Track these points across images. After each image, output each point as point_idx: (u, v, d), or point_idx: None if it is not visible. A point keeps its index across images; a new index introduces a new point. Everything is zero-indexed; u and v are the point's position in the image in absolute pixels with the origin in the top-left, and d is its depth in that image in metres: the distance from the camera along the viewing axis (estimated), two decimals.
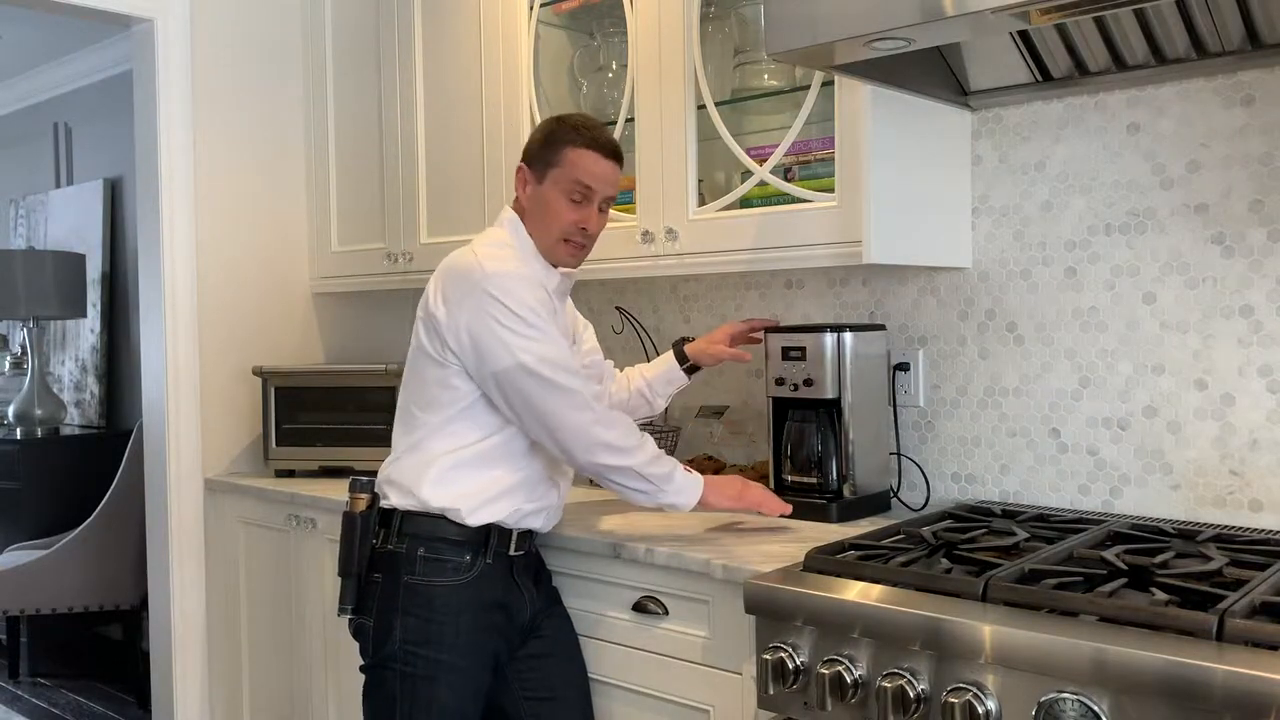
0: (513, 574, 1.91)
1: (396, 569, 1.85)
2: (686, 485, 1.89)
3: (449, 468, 1.86)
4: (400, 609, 1.84)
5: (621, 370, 2.29)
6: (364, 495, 1.89)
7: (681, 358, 2.22)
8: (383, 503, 1.89)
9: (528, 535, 1.94)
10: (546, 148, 1.92)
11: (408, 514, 1.86)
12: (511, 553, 1.90)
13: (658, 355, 2.68)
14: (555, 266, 1.95)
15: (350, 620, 1.91)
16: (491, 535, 1.87)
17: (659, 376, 2.23)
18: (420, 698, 1.83)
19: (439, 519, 1.85)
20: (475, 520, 1.85)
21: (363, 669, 1.91)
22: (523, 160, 1.95)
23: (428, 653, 1.82)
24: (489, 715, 1.95)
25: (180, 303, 2.96)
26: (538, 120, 2.50)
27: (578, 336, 2.13)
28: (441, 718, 1.84)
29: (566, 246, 1.93)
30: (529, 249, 1.93)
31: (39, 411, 4.44)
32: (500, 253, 1.88)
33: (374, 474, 1.96)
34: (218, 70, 3.06)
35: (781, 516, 2.00)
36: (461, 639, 1.84)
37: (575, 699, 1.98)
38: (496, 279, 1.81)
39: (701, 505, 1.91)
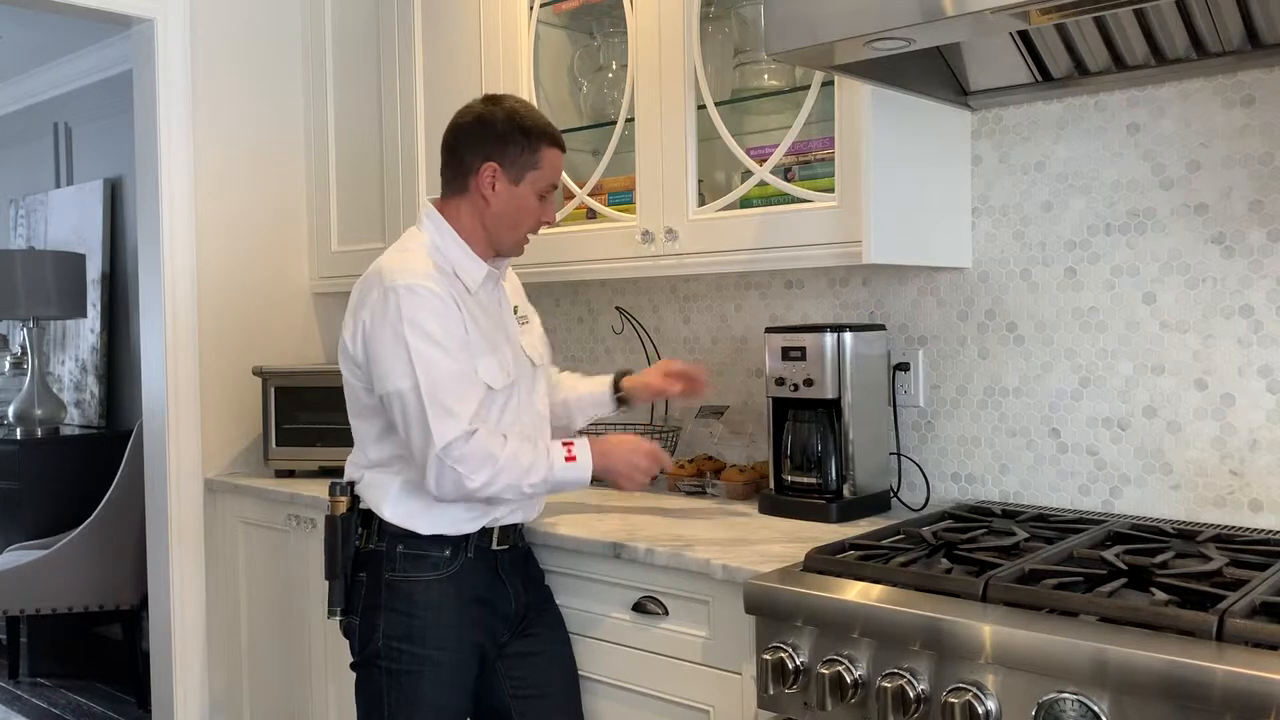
0: (497, 569, 1.92)
1: (378, 567, 1.86)
2: (571, 476, 1.85)
3: (404, 492, 1.86)
4: (383, 606, 1.85)
5: (561, 371, 2.28)
6: (344, 498, 1.89)
7: (617, 387, 2.17)
8: (363, 504, 1.90)
9: (511, 530, 1.94)
10: (525, 150, 1.87)
11: None
12: (494, 547, 1.91)
13: (658, 356, 2.69)
14: (501, 256, 1.94)
15: (340, 621, 1.92)
16: (471, 534, 1.88)
17: (587, 396, 2.19)
18: (405, 693, 1.83)
19: None
20: (438, 532, 1.85)
21: (352, 667, 1.92)
22: (492, 159, 1.87)
23: (410, 648, 1.83)
24: (478, 712, 1.96)
25: (180, 303, 2.96)
26: None
27: (525, 318, 2.08)
28: (427, 712, 1.84)
29: (525, 240, 1.95)
30: (458, 249, 1.89)
31: (39, 411, 4.44)
32: (408, 261, 1.82)
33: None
34: (218, 70, 3.05)
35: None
36: (444, 633, 1.85)
37: (565, 697, 1.98)
38: (393, 295, 1.77)
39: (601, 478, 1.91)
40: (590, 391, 2.19)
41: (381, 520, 1.86)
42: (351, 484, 1.91)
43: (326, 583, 1.91)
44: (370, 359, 1.81)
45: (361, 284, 1.86)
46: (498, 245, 1.93)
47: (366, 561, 1.88)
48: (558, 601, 2.04)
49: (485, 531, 1.89)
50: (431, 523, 1.85)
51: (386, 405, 1.80)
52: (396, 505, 1.86)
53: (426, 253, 1.86)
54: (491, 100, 1.92)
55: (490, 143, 1.87)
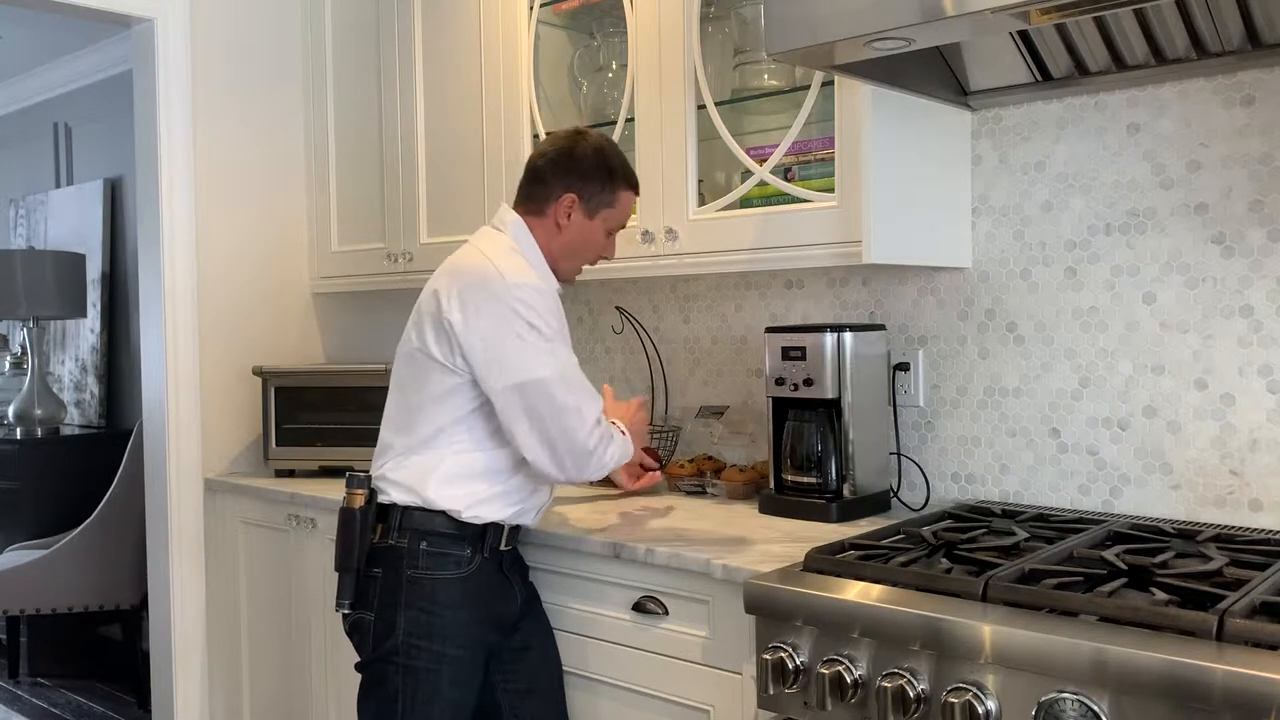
0: (503, 568, 1.94)
1: (398, 563, 1.86)
2: (626, 459, 2.01)
3: (454, 472, 1.87)
4: (403, 603, 1.85)
5: None
6: (361, 491, 1.90)
7: None
8: (381, 498, 1.90)
9: (517, 530, 1.96)
10: (605, 188, 1.97)
11: (408, 509, 1.87)
12: (503, 547, 1.93)
13: (659, 356, 2.69)
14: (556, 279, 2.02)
15: (346, 616, 1.92)
16: (489, 531, 1.89)
17: None
18: (423, 691, 1.84)
19: (439, 514, 1.86)
20: (472, 516, 1.87)
21: (360, 666, 1.91)
22: (573, 190, 1.95)
23: (431, 646, 1.84)
24: None
25: (180, 303, 2.96)
26: (538, 121, 2.51)
27: None
28: (444, 710, 1.85)
29: (580, 270, 2.05)
30: (536, 257, 1.96)
31: (39, 411, 4.44)
32: (517, 261, 1.90)
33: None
34: (218, 70, 3.05)
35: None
36: (463, 631, 1.86)
37: (553, 692, 2.01)
38: (520, 291, 1.84)
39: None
40: None
41: (402, 515, 1.86)
42: (369, 478, 1.92)
43: (336, 575, 1.90)
44: (496, 353, 1.83)
45: (469, 278, 1.87)
46: (556, 270, 1.99)
47: (384, 557, 1.87)
48: (558, 601, 2.04)
49: (498, 532, 1.90)
50: (471, 504, 1.87)
51: (513, 395, 1.82)
52: (443, 487, 1.86)
53: (525, 259, 1.93)
54: (580, 134, 2.01)
55: (574, 175, 1.96)
